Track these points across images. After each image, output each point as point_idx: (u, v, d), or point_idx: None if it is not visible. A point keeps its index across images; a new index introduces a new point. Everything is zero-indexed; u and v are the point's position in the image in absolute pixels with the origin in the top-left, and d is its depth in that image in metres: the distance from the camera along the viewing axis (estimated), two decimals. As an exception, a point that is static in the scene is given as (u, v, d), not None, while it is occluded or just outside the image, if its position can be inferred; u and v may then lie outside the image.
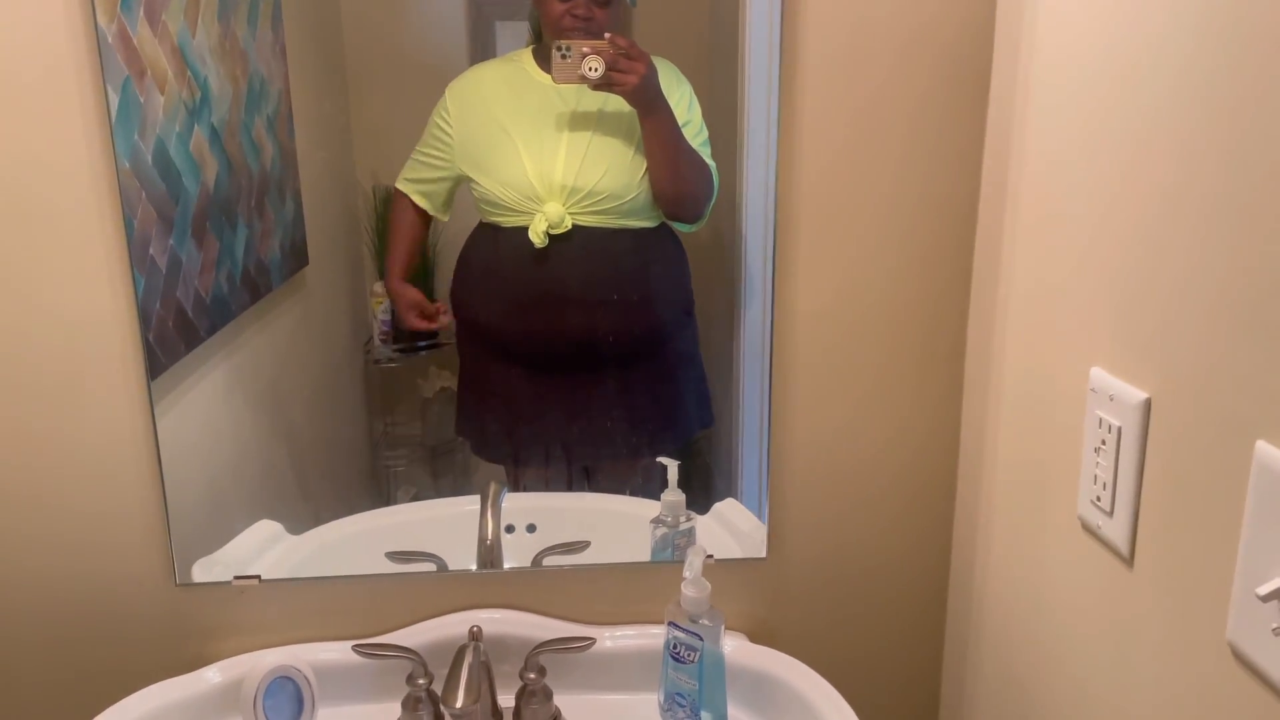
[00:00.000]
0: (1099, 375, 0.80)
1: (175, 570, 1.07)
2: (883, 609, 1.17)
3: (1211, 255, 0.66)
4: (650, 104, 1.03)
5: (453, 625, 1.05)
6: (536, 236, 1.05)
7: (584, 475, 1.16)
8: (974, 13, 0.98)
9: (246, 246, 1.05)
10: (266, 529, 1.10)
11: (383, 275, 1.09)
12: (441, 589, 1.10)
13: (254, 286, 1.06)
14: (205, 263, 1.02)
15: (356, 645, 0.98)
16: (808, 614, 1.15)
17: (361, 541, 1.12)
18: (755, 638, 1.12)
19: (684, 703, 0.98)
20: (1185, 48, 0.68)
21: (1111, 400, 0.77)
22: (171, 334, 1.01)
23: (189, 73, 0.98)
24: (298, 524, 1.11)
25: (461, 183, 1.07)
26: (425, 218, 1.08)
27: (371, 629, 1.09)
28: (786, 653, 1.04)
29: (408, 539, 1.12)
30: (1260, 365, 0.62)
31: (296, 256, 1.08)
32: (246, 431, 1.08)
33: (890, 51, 0.99)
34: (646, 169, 1.05)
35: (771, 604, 1.15)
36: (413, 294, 1.10)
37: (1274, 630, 0.61)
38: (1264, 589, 0.60)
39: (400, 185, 1.07)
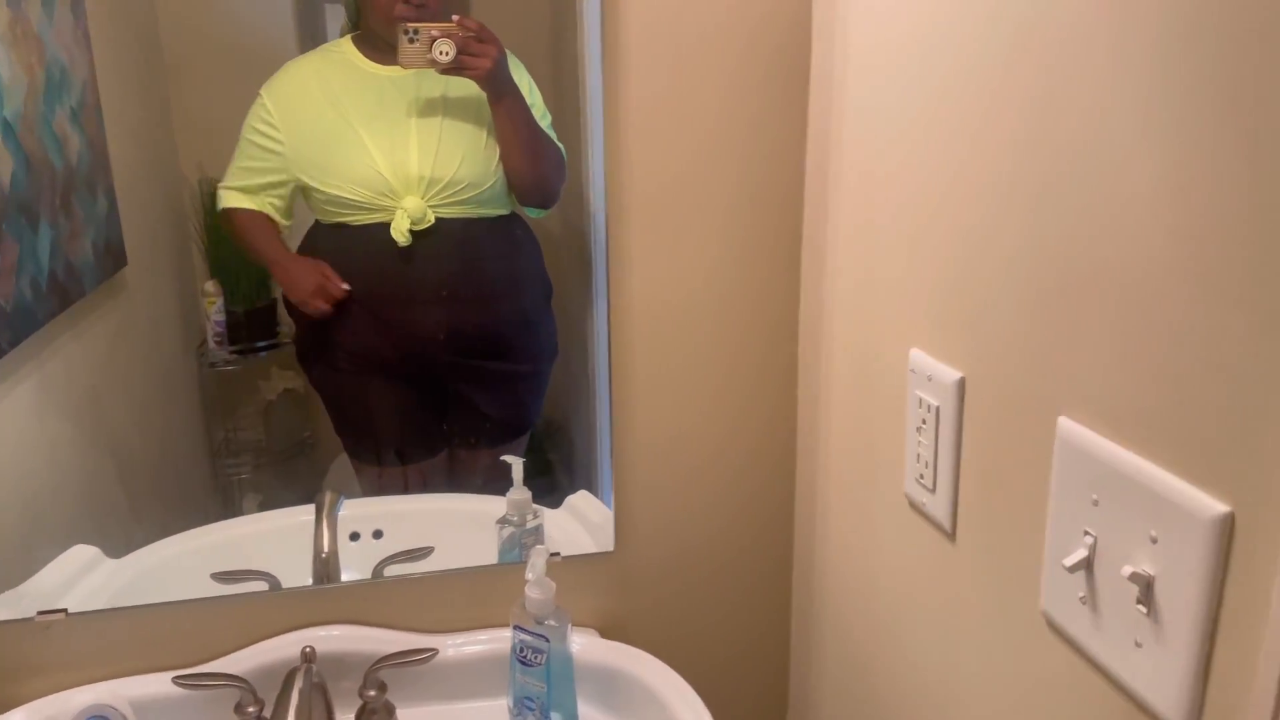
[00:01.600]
0: (918, 356, 0.81)
1: (-30, 609, 0.98)
2: (731, 595, 1.17)
3: (1016, 240, 0.67)
4: (502, 88, 1.00)
5: (285, 647, 1.00)
6: (400, 234, 1.01)
7: (441, 474, 1.13)
8: (793, 4, 0.99)
9: (52, 249, 0.97)
10: (82, 554, 1.02)
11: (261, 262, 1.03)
12: (274, 609, 1.04)
13: (63, 292, 0.98)
14: (3, 268, 0.94)
15: (177, 676, 0.92)
16: (658, 605, 1.15)
17: (189, 561, 1.05)
18: (607, 633, 1.10)
19: (533, 706, 0.96)
20: (982, 36, 0.69)
21: (930, 380, 0.79)
22: (-37, 350, 0.92)
23: (-27, 62, 0.89)
24: (125, 546, 1.04)
25: (298, 189, 1.01)
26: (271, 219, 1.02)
27: (198, 657, 1.02)
28: (638, 645, 1.04)
29: (240, 556, 1.06)
30: (1061, 345, 0.63)
31: (113, 257, 1.01)
32: (62, 450, 1.00)
33: (711, 37, 0.98)
34: (500, 154, 1.02)
35: (622, 597, 1.14)
36: (311, 262, 1.03)
37: (1081, 599, 0.63)
38: (1069, 560, 0.62)
39: (230, 202, 1.00)
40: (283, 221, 1.02)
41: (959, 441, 0.76)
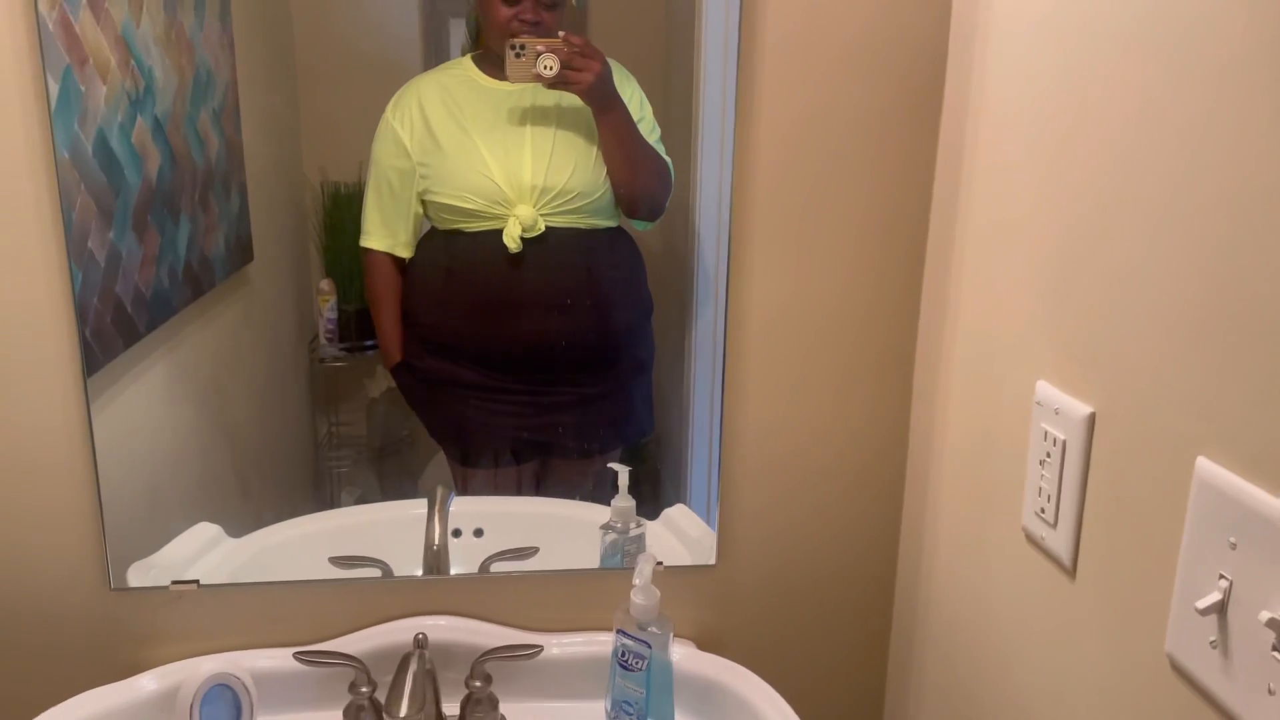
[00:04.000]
0: (1045, 389, 0.81)
1: (110, 574, 1.03)
2: (830, 616, 1.17)
3: (1153, 273, 0.67)
4: (606, 102, 1.03)
5: (397, 632, 1.04)
6: (511, 241, 1.04)
7: (534, 480, 1.15)
8: (928, 23, 0.99)
9: (189, 241, 1.02)
10: (206, 531, 1.07)
11: (380, 347, 1.10)
12: (386, 595, 1.08)
13: (196, 282, 1.04)
14: (146, 257, 0.99)
15: (298, 653, 0.96)
16: (756, 621, 1.15)
17: (304, 545, 1.09)
18: (704, 645, 1.11)
19: (631, 711, 0.97)
20: (1128, 68, 0.69)
21: (1057, 414, 0.79)
22: (109, 329, 0.98)
23: (133, 62, 0.95)
24: (238, 526, 1.09)
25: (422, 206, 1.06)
26: (400, 268, 1.08)
27: (313, 636, 1.06)
28: (734, 660, 1.04)
29: (351, 543, 1.10)
30: (1201, 382, 0.63)
31: (241, 252, 1.06)
32: (186, 431, 1.05)
33: (846, 60, 0.99)
34: (606, 167, 1.05)
35: (720, 611, 1.14)
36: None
37: (1211, 643, 0.62)
38: (1203, 603, 0.62)
39: (372, 244, 1.06)
40: (410, 254, 1.08)
41: (1085, 477, 0.76)
